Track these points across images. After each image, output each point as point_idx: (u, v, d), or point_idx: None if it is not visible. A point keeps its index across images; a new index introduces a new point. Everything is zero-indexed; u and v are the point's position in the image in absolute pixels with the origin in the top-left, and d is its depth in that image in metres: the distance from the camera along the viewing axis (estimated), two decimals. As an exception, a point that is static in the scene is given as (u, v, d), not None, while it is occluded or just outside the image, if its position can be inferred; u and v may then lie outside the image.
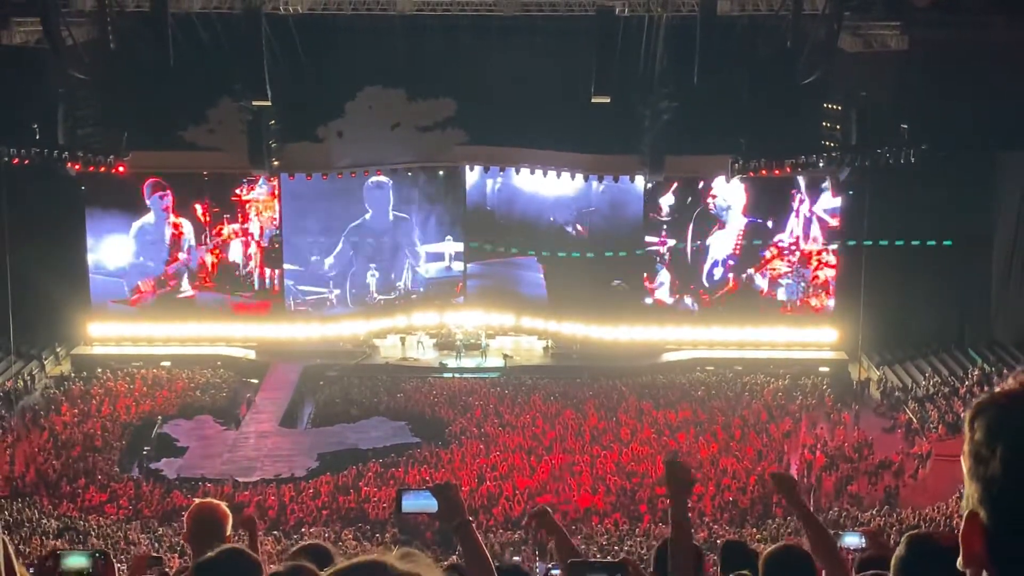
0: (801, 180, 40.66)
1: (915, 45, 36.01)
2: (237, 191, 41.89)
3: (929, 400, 37.45)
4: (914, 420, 36.49)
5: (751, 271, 41.90)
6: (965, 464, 1.69)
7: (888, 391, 39.28)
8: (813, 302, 41.92)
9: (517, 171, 42.05)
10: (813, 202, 41.16)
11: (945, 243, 39.95)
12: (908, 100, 36.87)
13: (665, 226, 42.11)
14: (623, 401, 38.28)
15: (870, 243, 39.94)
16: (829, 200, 40.94)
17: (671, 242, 42.08)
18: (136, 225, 41.74)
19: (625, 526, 29.85)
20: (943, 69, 35.76)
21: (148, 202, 41.65)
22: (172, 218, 41.85)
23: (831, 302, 41.70)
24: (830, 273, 41.67)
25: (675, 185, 41.40)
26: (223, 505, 5.70)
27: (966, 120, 36.30)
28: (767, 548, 5.47)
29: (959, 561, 1.68)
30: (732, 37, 35.66)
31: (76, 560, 5.04)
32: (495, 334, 43.60)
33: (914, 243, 40.10)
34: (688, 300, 42.39)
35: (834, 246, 41.22)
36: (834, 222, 41.06)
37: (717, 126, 37.31)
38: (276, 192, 41.96)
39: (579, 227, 42.56)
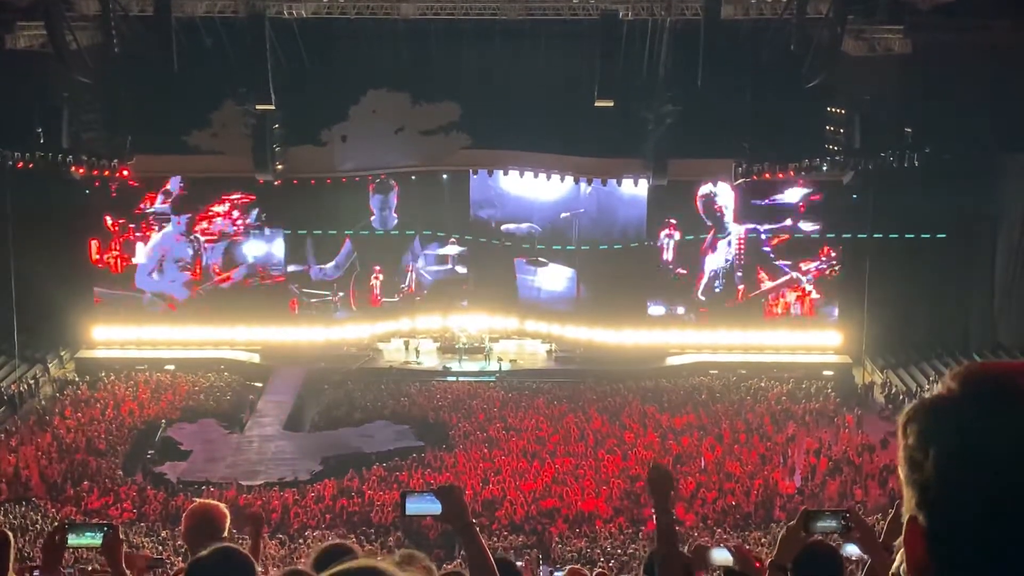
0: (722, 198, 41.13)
1: (918, 48, 35.93)
2: (141, 205, 41.91)
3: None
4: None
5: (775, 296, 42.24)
6: (901, 470, 1.70)
7: (892, 395, 39.23)
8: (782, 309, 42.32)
9: (521, 174, 42.03)
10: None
11: (939, 236, 40.62)
12: (912, 103, 36.84)
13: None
14: (627, 405, 38.23)
15: (864, 236, 40.36)
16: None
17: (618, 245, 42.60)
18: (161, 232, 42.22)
19: (629, 530, 29.79)
20: (947, 72, 35.74)
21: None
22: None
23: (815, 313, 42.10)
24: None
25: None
26: (221, 505, 5.64)
27: (970, 123, 36.26)
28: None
29: (903, 567, 1.68)
30: (736, 41, 35.65)
31: (85, 536, 5.08)
32: (499, 337, 43.59)
33: (908, 236, 40.61)
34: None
35: (822, 268, 41.48)
36: (768, 249, 41.61)
37: (721, 130, 37.27)
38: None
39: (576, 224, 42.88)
